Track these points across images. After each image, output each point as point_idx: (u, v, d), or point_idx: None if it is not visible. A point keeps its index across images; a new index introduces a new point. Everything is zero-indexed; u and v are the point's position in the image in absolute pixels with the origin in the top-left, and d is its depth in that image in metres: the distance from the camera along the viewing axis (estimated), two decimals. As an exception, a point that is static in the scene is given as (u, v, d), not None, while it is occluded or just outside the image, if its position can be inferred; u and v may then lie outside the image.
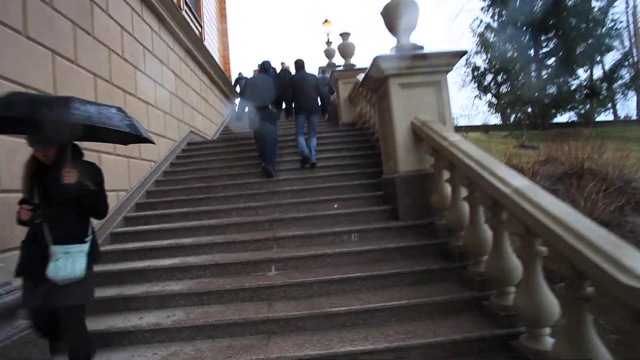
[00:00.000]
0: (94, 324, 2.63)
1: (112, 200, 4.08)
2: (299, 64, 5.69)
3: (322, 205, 4.18)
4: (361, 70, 7.60)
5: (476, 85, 14.72)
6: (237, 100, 7.39)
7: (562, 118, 13.56)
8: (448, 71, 3.85)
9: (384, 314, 2.58)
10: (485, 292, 2.59)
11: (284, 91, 5.48)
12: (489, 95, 15.38)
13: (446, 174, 3.21)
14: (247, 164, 5.50)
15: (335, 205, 4.18)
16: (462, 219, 2.96)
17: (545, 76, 12.74)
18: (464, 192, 2.97)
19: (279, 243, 3.53)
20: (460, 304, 2.61)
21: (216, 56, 11.30)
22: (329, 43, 12.65)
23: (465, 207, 2.96)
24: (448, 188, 3.23)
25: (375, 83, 4.07)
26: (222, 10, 13.18)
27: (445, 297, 2.63)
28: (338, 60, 12.46)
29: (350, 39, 8.51)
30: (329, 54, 12.65)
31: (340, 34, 8.60)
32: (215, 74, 9.42)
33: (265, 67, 5.73)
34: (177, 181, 5.17)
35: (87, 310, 2.88)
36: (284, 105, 5.76)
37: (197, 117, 7.75)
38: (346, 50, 8.41)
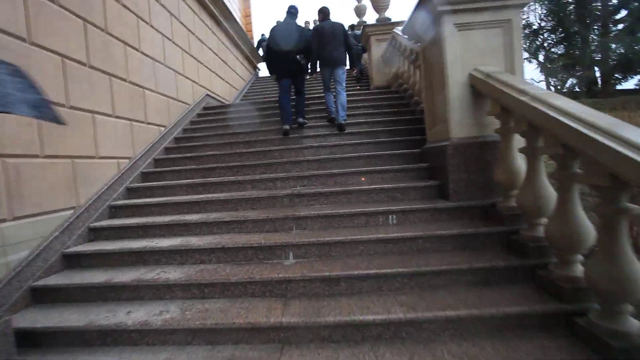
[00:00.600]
0: (74, 318, 2.19)
1: (112, 169, 3.60)
2: (325, 12, 4.95)
3: (352, 179, 3.50)
4: (398, 24, 6.62)
5: (527, 45, 12.98)
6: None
7: (628, 84, 11.77)
8: (523, 5, 2.93)
9: (435, 327, 1.93)
10: (580, 305, 1.87)
11: (309, 43, 4.81)
12: (537, 61, 13.68)
13: (519, 142, 2.43)
14: (266, 130, 4.85)
15: (364, 179, 3.50)
16: (543, 201, 2.21)
17: (613, 34, 10.91)
18: (543, 166, 2.21)
19: (299, 224, 2.92)
20: (541, 320, 1.91)
21: (237, 16, 10.47)
22: (360, -1, 11.42)
23: (548, 185, 2.21)
24: (521, 160, 2.46)
25: (423, 25, 3.20)
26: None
27: (520, 308, 1.93)
28: (370, 18, 11.28)
29: (386, -11, 7.41)
30: (359, 11, 11.46)
31: (374, -17, 7.48)
32: (236, 34, 8.66)
33: (291, 11, 4.93)
34: (189, 148, 4.63)
35: (72, 298, 2.46)
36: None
37: (215, 80, 7.12)
38: (380, 1, 7.33)
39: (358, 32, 8.67)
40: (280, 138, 4.50)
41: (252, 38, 11.55)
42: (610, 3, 11.36)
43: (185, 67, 5.56)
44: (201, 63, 6.29)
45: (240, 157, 4.20)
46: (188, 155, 4.36)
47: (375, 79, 7.22)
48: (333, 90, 4.83)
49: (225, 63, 7.95)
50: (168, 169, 4.09)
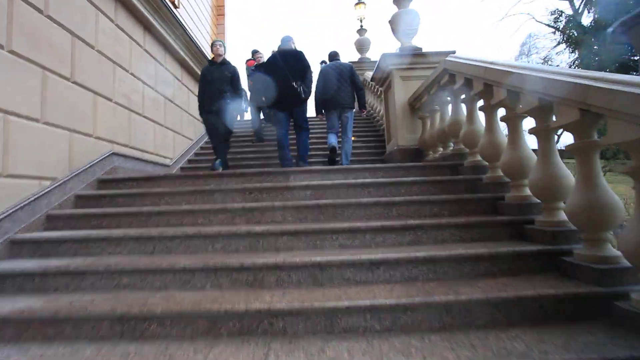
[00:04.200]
0: None
1: None
2: (331, 55, 4.87)
3: None
4: (442, 54, 4.18)
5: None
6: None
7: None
8: None
9: None
10: None
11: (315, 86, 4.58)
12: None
13: None
14: (199, 269, 2.00)
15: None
16: None
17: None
18: None
19: None
20: None
21: (206, 44, 7.95)
22: (361, 31, 9.28)
23: None
24: None
25: None
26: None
27: None
28: (373, 55, 9.13)
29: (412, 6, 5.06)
30: (361, 45, 9.30)
31: (395, 0, 5.11)
32: (194, 59, 6.05)
33: (285, 39, 4.35)
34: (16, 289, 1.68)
35: None
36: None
37: (143, 126, 4.32)
38: (404, 24, 4.93)
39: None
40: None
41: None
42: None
43: (50, 104, 2.75)
44: (104, 97, 3.51)
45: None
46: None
47: (398, 136, 4.62)
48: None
49: (169, 100, 5.22)
50: None
